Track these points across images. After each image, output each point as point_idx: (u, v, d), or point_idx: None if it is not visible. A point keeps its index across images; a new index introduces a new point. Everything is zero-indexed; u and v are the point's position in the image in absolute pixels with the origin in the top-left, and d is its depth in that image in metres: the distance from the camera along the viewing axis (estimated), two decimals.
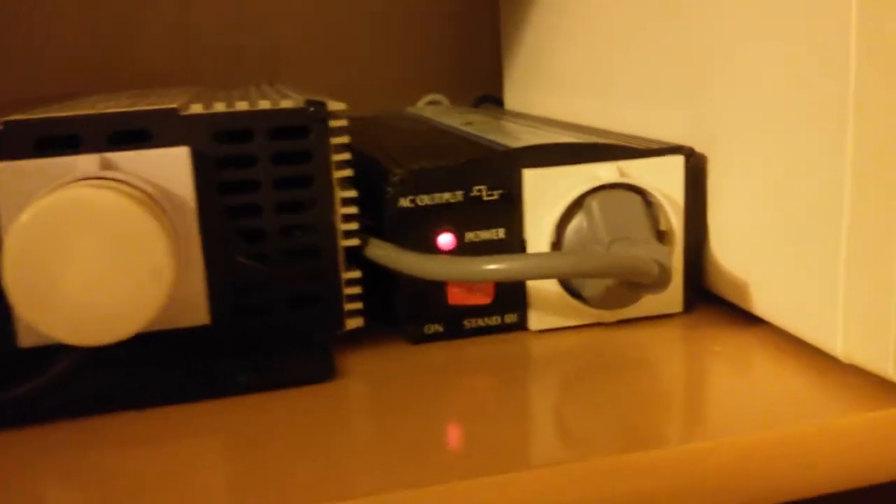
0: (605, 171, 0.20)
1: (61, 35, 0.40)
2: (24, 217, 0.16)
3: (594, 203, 0.20)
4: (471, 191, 0.20)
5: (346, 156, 0.19)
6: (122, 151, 0.18)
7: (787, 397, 0.17)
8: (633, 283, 0.19)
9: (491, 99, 0.41)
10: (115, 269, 0.16)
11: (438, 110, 0.36)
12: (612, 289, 0.19)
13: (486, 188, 0.20)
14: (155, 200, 0.17)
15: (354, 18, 0.44)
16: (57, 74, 0.40)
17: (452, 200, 0.20)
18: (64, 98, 0.28)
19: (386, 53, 0.44)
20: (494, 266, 0.18)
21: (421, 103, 0.40)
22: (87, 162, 0.18)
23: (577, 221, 0.20)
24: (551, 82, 0.34)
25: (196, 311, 0.19)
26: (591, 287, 0.19)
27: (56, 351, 0.17)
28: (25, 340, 0.18)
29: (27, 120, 0.18)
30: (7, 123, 0.18)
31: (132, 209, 0.16)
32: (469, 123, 0.28)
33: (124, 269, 0.16)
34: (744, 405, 0.17)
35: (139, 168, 0.18)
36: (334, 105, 0.19)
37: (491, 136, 0.24)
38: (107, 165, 0.18)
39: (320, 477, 0.15)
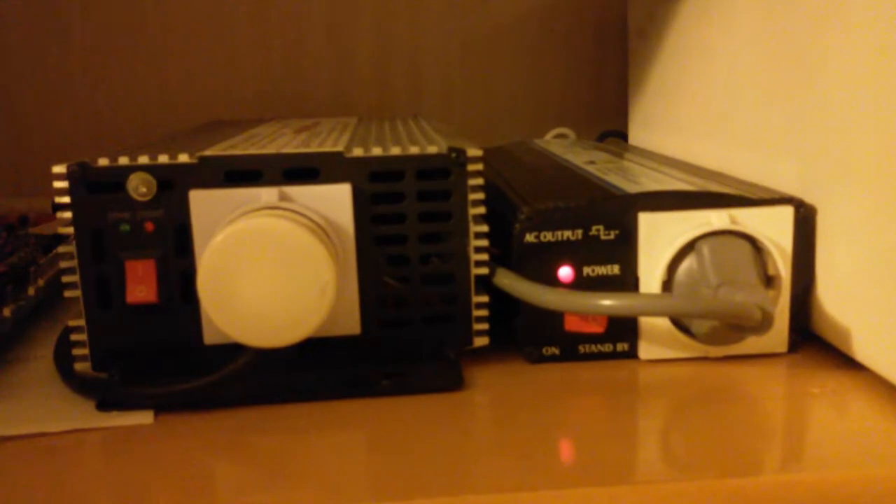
0: (716, 218, 0.22)
1: (233, 67, 0.45)
2: (219, 238, 0.20)
3: (705, 247, 0.21)
4: (590, 230, 0.22)
5: (480, 195, 0.22)
6: (295, 185, 0.21)
7: (881, 438, 0.18)
8: (737, 325, 0.20)
9: (615, 134, 0.43)
10: (288, 285, 0.20)
11: (564, 144, 0.38)
12: (718, 328, 0.21)
13: (603, 228, 0.22)
14: (322, 228, 0.21)
15: (493, 55, 0.47)
16: (231, 99, 0.45)
17: (573, 238, 0.23)
18: (241, 125, 0.32)
19: (520, 88, 0.47)
20: (608, 302, 0.20)
21: (548, 136, 0.43)
22: (268, 193, 0.21)
23: (688, 263, 0.22)
24: (673, 122, 0.35)
25: (349, 323, 0.22)
26: (699, 325, 0.21)
27: (235, 349, 0.21)
28: (210, 339, 0.22)
29: (218, 156, 0.21)
30: (202, 158, 0.21)
31: (304, 236, 0.20)
32: (591, 162, 0.30)
33: (296, 285, 0.20)
34: (839, 443, 0.18)
35: (309, 200, 0.21)
36: (472, 151, 0.22)
37: (610, 179, 0.26)
38: (284, 197, 0.21)
39: (444, 472, 0.18)
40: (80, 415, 0.20)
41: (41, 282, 0.28)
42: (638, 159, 0.32)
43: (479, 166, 0.22)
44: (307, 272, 0.20)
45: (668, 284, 0.22)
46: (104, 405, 0.21)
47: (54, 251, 0.31)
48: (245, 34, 0.45)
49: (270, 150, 0.22)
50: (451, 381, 0.22)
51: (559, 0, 0.47)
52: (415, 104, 0.47)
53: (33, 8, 0.43)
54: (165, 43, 0.44)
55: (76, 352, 0.22)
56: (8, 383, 0.23)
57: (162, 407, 0.21)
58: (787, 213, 0.22)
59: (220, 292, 0.20)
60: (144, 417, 0.20)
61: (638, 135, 0.40)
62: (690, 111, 0.33)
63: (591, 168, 0.29)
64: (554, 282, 0.23)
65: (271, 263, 0.20)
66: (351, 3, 0.45)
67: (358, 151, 0.22)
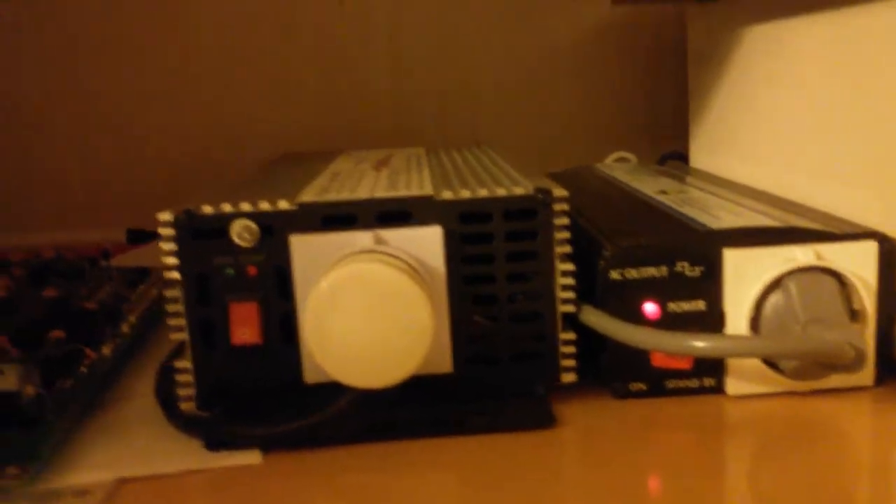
0: (802, 254, 0.22)
1: (295, 98, 0.46)
2: (323, 284, 0.20)
3: (791, 283, 0.22)
4: (674, 266, 0.23)
5: (565, 234, 0.23)
6: (388, 229, 0.22)
7: None
8: (828, 363, 0.21)
9: (675, 156, 0.43)
10: (388, 327, 0.20)
11: (627, 169, 0.39)
12: (807, 365, 0.21)
13: (688, 264, 0.23)
14: (416, 270, 0.21)
15: (549, 79, 0.47)
16: (293, 130, 0.46)
17: (657, 275, 0.23)
18: (314, 158, 0.33)
19: (574, 111, 0.48)
20: (701, 344, 0.20)
21: (609, 160, 0.43)
22: (364, 237, 0.22)
23: (775, 299, 0.22)
24: (738, 147, 0.35)
25: (441, 361, 0.22)
26: (787, 361, 0.21)
27: (333, 387, 0.22)
28: (310, 378, 0.23)
29: (316, 202, 0.22)
30: (301, 204, 0.22)
31: (403, 280, 0.20)
32: (663, 192, 0.31)
33: (396, 327, 0.20)
34: None
35: (402, 242, 0.22)
36: (558, 192, 0.23)
37: (686, 211, 0.27)
38: (379, 240, 0.22)
39: None
40: (189, 455, 0.21)
41: (133, 319, 0.29)
42: (708, 187, 0.32)
43: (565, 206, 0.23)
44: (406, 314, 0.20)
45: (755, 321, 0.22)
46: (212, 445, 0.22)
47: (141, 287, 0.33)
48: (307, 63, 0.46)
49: (363, 194, 0.23)
50: (541, 419, 0.22)
51: (613, 23, 0.47)
52: (472, 129, 0.47)
53: (90, 45, 0.45)
54: (228, 76, 0.46)
55: (181, 392, 0.23)
56: (115, 422, 0.24)
57: (268, 446, 0.22)
58: (872, 247, 0.22)
59: (325, 335, 0.20)
60: (252, 457, 0.21)
61: (700, 158, 0.41)
62: (757, 137, 0.34)
63: (664, 198, 0.29)
64: (638, 318, 0.23)
65: (372, 307, 0.20)
66: (411, 28, 0.46)
67: (447, 195, 0.22)
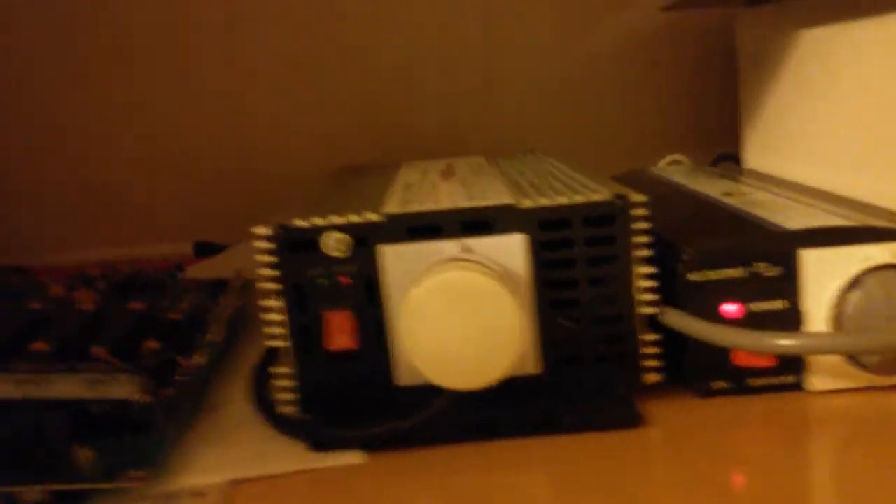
0: (878, 252, 0.23)
1: (352, 111, 0.47)
2: (418, 291, 0.21)
3: (871, 281, 0.22)
4: (752, 267, 0.24)
5: (645, 238, 0.23)
6: (472, 237, 0.23)
7: None
8: None
9: (728, 157, 0.43)
10: (481, 332, 0.21)
11: (684, 172, 0.39)
12: (890, 360, 0.22)
13: (766, 265, 0.24)
14: (503, 276, 0.22)
15: (597, 81, 0.48)
16: (349, 142, 0.47)
17: (736, 276, 0.24)
18: (377, 171, 0.34)
19: (622, 115, 0.48)
20: (785, 342, 0.21)
21: (662, 163, 0.44)
22: (450, 246, 0.23)
23: (854, 297, 0.23)
24: (796, 148, 0.36)
25: (530, 363, 0.23)
26: (870, 357, 0.22)
27: (424, 390, 0.23)
28: (402, 380, 0.24)
29: (404, 213, 0.23)
30: (388, 216, 0.23)
31: (493, 285, 0.21)
32: (728, 194, 0.31)
33: (488, 331, 0.21)
34: None
35: (486, 250, 0.23)
36: (636, 197, 0.23)
37: (758, 212, 0.27)
38: (465, 249, 0.23)
39: None
40: (295, 456, 0.23)
41: (218, 328, 0.31)
42: (771, 188, 0.33)
43: (644, 211, 0.23)
44: (497, 319, 0.21)
45: (835, 319, 0.23)
46: (317, 446, 0.23)
47: (220, 297, 0.34)
48: (355, 74, 0.47)
49: (445, 204, 0.24)
50: (630, 419, 0.23)
51: (659, 27, 0.48)
52: (520, 136, 0.48)
53: (154, 63, 0.47)
54: (282, 92, 0.47)
55: (281, 396, 0.24)
56: (216, 426, 0.25)
57: (370, 446, 0.23)
58: None
59: (421, 341, 0.21)
60: (356, 457, 0.22)
61: (754, 159, 0.41)
62: (817, 138, 0.34)
63: (731, 200, 0.30)
64: (716, 318, 0.24)
65: (465, 312, 0.21)
66: (459, 38, 0.47)
67: (527, 203, 0.23)
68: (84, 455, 0.20)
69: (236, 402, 0.27)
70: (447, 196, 0.26)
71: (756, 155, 0.41)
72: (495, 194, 0.25)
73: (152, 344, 0.27)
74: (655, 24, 0.48)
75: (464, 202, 0.24)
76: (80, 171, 0.46)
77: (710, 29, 0.48)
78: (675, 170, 0.41)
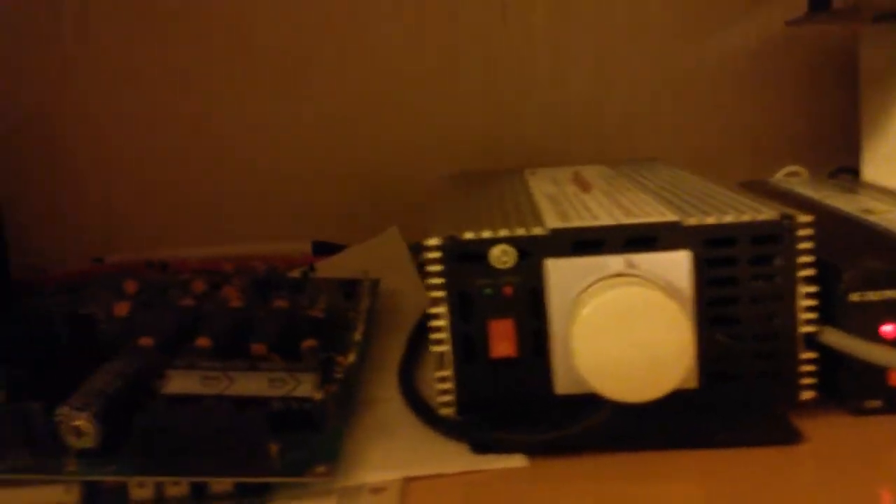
0: None
1: (468, 116, 0.48)
2: (592, 307, 0.22)
3: None
4: None
5: (808, 258, 0.24)
6: (635, 253, 0.24)
7: None
8: None
9: (846, 170, 0.43)
10: (653, 346, 0.22)
11: (805, 184, 0.39)
12: None
13: None
14: (672, 292, 0.23)
15: (706, 95, 0.48)
16: (462, 148, 0.48)
17: (894, 297, 0.24)
18: (503, 178, 0.35)
19: (734, 126, 0.48)
20: None
21: (780, 174, 0.43)
22: (615, 262, 0.24)
23: None
24: None
25: (689, 378, 0.24)
26: None
27: (582, 399, 0.23)
28: (560, 389, 0.24)
29: (568, 228, 0.24)
30: (553, 230, 0.24)
31: (667, 301, 0.22)
32: (868, 211, 0.31)
33: (658, 346, 0.22)
34: None
35: (651, 266, 0.24)
36: (803, 217, 0.24)
37: None
38: (630, 265, 0.24)
39: None
40: (459, 457, 0.24)
41: (362, 326, 0.32)
42: None
43: (810, 231, 0.24)
44: (668, 334, 0.22)
45: None
46: (480, 448, 0.24)
47: (357, 297, 0.35)
48: (472, 83, 0.48)
49: (604, 219, 0.25)
50: (787, 435, 0.23)
51: (772, 37, 0.48)
52: (628, 146, 0.48)
53: (275, 65, 0.48)
54: (398, 97, 0.48)
55: (441, 399, 0.25)
56: (374, 425, 0.26)
57: (531, 451, 0.23)
58: None
59: (592, 355, 0.22)
60: (518, 461, 0.23)
61: (873, 172, 0.41)
62: None
63: (874, 219, 0.30)
64: (875, 338, 0.24)
65: (638, 327, 0.22)
66: (571, 47, 0.48)
67: (693, 220, 0.24)
68: (274, 450, 0.22)
69: (387, 400, 0.28)
70: (602, 210, 0.26)
71: (877, 168, 0.41)
72: (654, 210, 0.25)
73: (310, 342, 0.28)
74: (773, 35, 0.48)
75: (624, 218, 0.25)
76: (200, 168, 0.48)
77: (828, 41, 0.47)
78: (795, 182, 0.41)
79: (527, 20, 0.48)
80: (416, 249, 0.45)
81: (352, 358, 0.28)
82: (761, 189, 0.39)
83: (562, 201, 0.29)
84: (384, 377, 0.30)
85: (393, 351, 0.33)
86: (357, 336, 0.31)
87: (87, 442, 0.21)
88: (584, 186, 0.32)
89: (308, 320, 0.31)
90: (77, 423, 0.21)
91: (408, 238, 0.44)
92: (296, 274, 0.38)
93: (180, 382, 0.23)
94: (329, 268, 0.42)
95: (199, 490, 0.21)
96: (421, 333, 0.34)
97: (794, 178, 0.42)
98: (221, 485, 0.22)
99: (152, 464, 0.21)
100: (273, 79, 0.48)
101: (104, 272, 0.42)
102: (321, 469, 0.22)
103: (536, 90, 0.48)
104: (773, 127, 0.48)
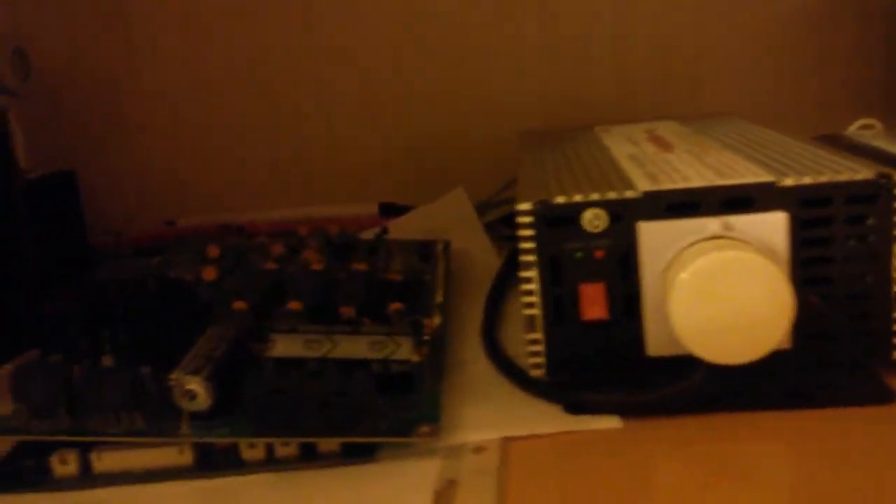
0: None
1: (527, 73, 0.48)
2: (685, 274, 0.22)
3: None
4: None
5: None
6: (731, 215, 0.24)
7: None
8: None
9: None
10: (753, 308, 0.22)
11: (882, 138, 0.38)
12: None
13: None
14: (770, 254, 0.23)
15: (778, 43, 0.47)
16: (526, 106, 0.48)
17: None
18: (573, 136, 0.34)
19: (801, 79, 0.47)
20: None
21: (853, 127, 0.42)
22: (712, 224, 0.24)
23: None
24: None
25: (784, 338, 0.24)
26: None
27: (674, 360, 0.24)
28: (653, 351, 0.25)
29: (662, 190, 0.24)
30: (647, 193, 0.24)
31: (766, 264, 0.22)
32: None
33: (760, 307, 0.22)
34: None
35: (747, 228, 0.24)
36: None
37: None
38: (727, 227, 0.24)
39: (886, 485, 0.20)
40: (554, 418, 0.24)
41: (442, 289, 0.32)
42: None
43: None
44: (769, 296, 0.22)
45: None
46: (574, 409, 0.24)
47: (433, 260, 0.35)
48: (532, 41, 0.48)
49: (696, 180, 0.24)
50: (881, 395, 0.23)
51: None
52: (694, 100, 0.48)
53: (338, 33, 0.48)
54: (462, 56, 0.48)
55: (532, 360, 0.25)
56: (464, 386, 0.27)
57: (625, 413, 0.24)
58: None
59: (691, 318, 0.22)
60: (612, 422, 0.24)
61: None
62: None
63: None
64: None
65: (738, 290, 0.22)
66: (633, 5, 0.47)
67: (789, 181, 0.24)
68: (381, 412, 0.22)
69: (472, 361, 0.28)
70: (691, 171, 0.26)
71: None
72: (746, 171, 0.25)
73: (397, 305, 0.29)
74: None
75: (717, 179, 0.24)
76: (267, 132, 0.49)
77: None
78: (870, 135, 0.40)
79: None
80: (482, 209, 0.46)
81: (437, 320, 0.29)
82: (839, 144, 0.38)
83: (645, 162, 0.29)
84: (466, 339, 0.31)
85: (470, 312, 0.33)
86: (438, 298, 0.31)
87: (200, 405, 0.22)
88: (665, 146, 0.32)
89: (389, 283, 0.32)
90: (190, 386, 0.22)
91: (472, 198, 0.45)
92: (369, 236, 0.38)
93: (285, 346, 0.23)
94: (396, 229, 0.43)
95: (307, 450, 0.22)
96: (497, 294, 0.35)
97: (868, 130, 0.42)
98: (328, 445, 0.22)
99: (264, 426, 0.22)
100: (336, 42, 0.48)
101: (177, 234, 0.43)
102: (425, 429, 0.22)
103: (597, 45, 0.48)
104: (841, 79, 0.47)
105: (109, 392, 0.22)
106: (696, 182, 0.24)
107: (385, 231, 0.38)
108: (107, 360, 0.23)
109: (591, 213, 0.24)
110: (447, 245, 0.38)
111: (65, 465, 0.22)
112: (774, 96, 0.47)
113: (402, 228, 0.43)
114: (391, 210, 0.44)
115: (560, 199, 0.24)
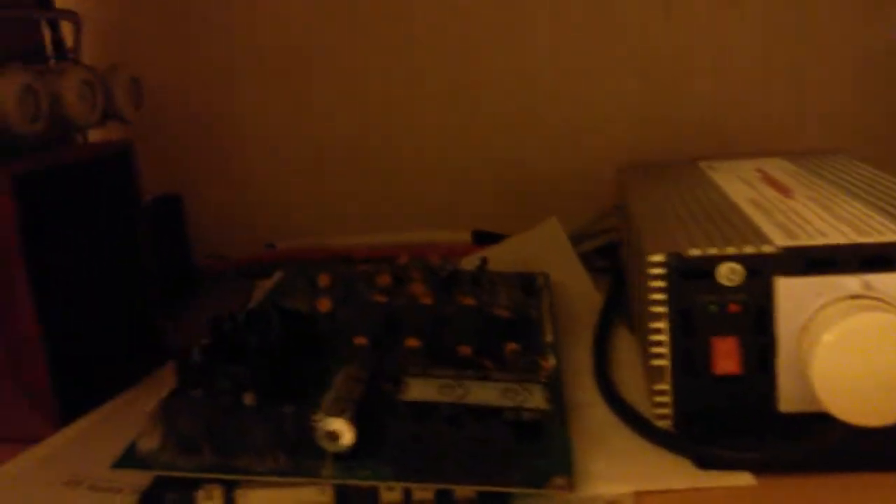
0: None
1: (628, 112, 0.48)
2: (830, 335, 0.22)
3: None
4: None
5: None
6: (870, 273, 0.23)
7: None
8: None
9: None
10: (892, 370, 0.22)
11: None
12: None
13: None
14: None
15: (879, 79, 0.46)
16: (617, 143, 0.48)
17: None
18: (680, 171, 0.34)
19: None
20: None
21: None
22: (851, 282, 0.23)
23: None
24: None
25: None
26: None
27: (807, 417, 0.23)
28: (785, 407, 0.24)
29: (800, 246, 0.24)
30: (785, 249, 0.24)
31: None
32: None
33: None
34: None
35: (886, 287, 0.23)
36: None
37: None
38: (867, 286, 0.23)
39: None
40: (684, 472, 0.24)
41: (551, 326, 0.32)
42: None
43: None
44: None
45: None
46: (706, 464, 0.24)
47: (536, 294, 0.35)
48: (630, 75, 0.48)
49: (838, 238, 0.24)
50: None
51: None
52: (796, 131, 0.47)
53: (434, 58, 0.48)
54: (562, 88, 0.48)
55: (658, 411, 0.25)
56: (586, 433, 0.27)
57: (759, 469, 0.24)
58: None
59: (832, 375, 0.22)
60: (746, 479, 0.24)
61: None
62: None
63: None
64: None
65: (881, 351, 0.22)
66: (734, 33, 0.47)
67: None
68: (515, 460, 0.23)
69: (589, 405, 0.29)
70: (825, 225, 0.26)
71: None
72: (884, 228, 0.25)
73: (513, 346, 0.29)
74: None
75: (857, 237, 0.24)
76: (365, 158, 0.49)
77: None
78: None
79: (690, 12, 0.47)
80: (575, 239, 0.46)
81: (552, 361, 0.29)
82: None
83: (772, 211, 0.28)
84: (577, 378, 0.31)
85: (577, 349, 0.33)
86: (548, 337, 0.31)
87: (342, 446, 0.23)
88: (783, 190, 0.32)
89: (499, 319, 0.32)
90: (334, 427, 0.22)
91: (564, 228, 0.45)
92: (469, 266, 0.38)
93: (419, 390, 0.24)
94: (490, 257, 0.43)
95: (444, 496, 0.23)
96: (603, 332, 0.35)
97: None
98: (464, 491, 0.23)
99: (404, 470, 0.22)
100: (435, 74, 0.48)
101: (277, 257, 0.44)
102: (560, 482, 0.22)
103: (696, 80, 0.47)
104: None
105: (255, 431, 0.23)
106: (835, 238, 0.24)
107: (485, 262, 0.38)
108: (248, 398, 0.24)
109: (727, 268, 0.24)
110: (547, 278, 0.38)
111: (210, 500, 0.23)
112: (878, 132, 0.47)
113: (494, 258, 0.43)
114: (485, 238, 0.45)
115: (695, 252, 0.24)
